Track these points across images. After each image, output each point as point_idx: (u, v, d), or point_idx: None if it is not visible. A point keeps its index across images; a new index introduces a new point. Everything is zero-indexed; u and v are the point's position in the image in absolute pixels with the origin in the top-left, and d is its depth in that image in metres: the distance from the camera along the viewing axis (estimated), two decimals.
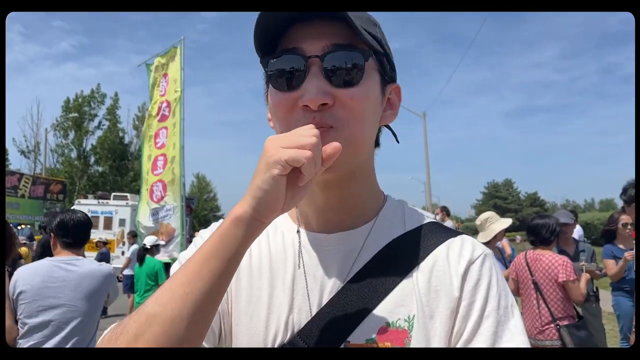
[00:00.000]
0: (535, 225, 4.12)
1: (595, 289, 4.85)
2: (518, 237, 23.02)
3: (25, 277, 2.83)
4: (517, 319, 0.78)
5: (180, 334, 0.64)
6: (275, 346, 0.80)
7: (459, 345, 0.76)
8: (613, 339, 6.79)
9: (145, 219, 8.25)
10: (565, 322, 3.80)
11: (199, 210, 46.12)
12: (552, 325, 3.81)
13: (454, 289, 0.79)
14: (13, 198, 16.69)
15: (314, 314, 0.80)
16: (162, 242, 6.57)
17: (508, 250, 6.59)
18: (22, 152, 34.71)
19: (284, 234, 0.89)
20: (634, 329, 4.01)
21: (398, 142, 0.96)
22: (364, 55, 0.77)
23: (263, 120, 0.90)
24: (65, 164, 34.96)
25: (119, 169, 36.21)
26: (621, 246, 4.64)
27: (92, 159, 36.30)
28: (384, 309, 0.78)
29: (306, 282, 0.83)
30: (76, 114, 34.13)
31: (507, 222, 4.91)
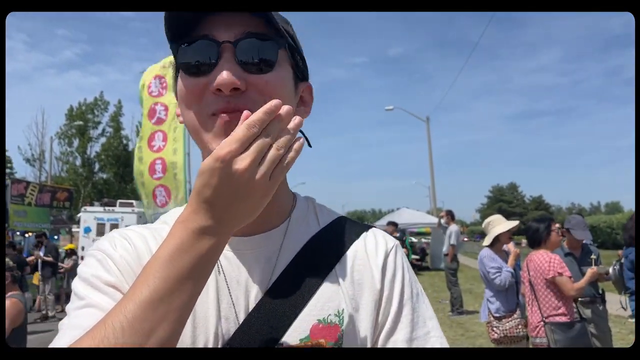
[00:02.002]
0: (526, 228, 4.39)
1: (601, 291, 4.83)
2: (524, 241, 22.90)
3: None
4: (427, 304, 0.86)
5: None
6: None
7: (385, 332, 0.81)
8: (620, 342, 6.78)
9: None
10: (555, 320, 3.88)
11: None
12: (542, 323, 3.96)
13: (376, 281, 0.83)
14: (20, 206, 16.70)
15: (241, 320, 0.78)
16: None
17: None
18: (27, 160, 34.96)
19: None
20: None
21: (310, 146, 0.90)
22: (277, 43, 0.77)
23: None
24: (70, 172, 35.14)
25: (123, 176, 36.33)
26: None
27: (97, 167, 36.49)
28: (313, 307, 0.79)
29: (229, 288, 0.80)
30: (81, 122, 34.31)
31: (508, 224, 4.93)
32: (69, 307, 0.75)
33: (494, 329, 4.62)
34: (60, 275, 12.80)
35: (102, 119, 36.60)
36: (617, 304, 5.61)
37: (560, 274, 3.89)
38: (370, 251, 0.86)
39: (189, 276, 0.62)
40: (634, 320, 4.88)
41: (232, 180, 0.62)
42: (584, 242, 5.00)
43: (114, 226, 15.65)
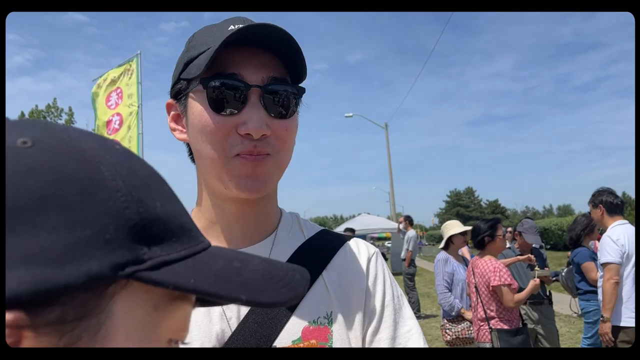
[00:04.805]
0: (473, 229, 4.36)
1: (548, 293, 4.99)
2: None
3: None
4: (407, 306, 0.92)
5: None
6: None
7: (370, 331, 0.87)
8: (569, 341, 7.01)
9: None
10: (500, 326, 3.96)
11: None
12: (487, 327, 4.00)
13: (361, 285, 0.89)
14: None
15: (234, 327, 0.81)
16: None
17: (468, 257, 6.71)
18: None
19: None
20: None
21: None
22: (298, 92, 0.84)
23: None
24: None
25: None
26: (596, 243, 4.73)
27: None
28: (303, 311, 0.83)
29: None
30: None
31: (460, 228, 5.05)
32: None
33: (447, 330, 4.73)
34: None
35: None
36: (567, 304, 5.81)
37: (504, 285, 3.92)
38: (353, 258, 0.92)
39: None
40: (582, 319, 5.05)
41: None
42: (533, 245, 5.18)
43: None
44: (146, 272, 0.36)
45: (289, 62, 0.83)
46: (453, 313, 4.69)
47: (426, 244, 46.66)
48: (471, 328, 4.52)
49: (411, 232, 10.49)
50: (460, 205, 74.36)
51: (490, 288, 3.98)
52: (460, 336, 4.61)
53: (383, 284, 0.91)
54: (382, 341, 0.86)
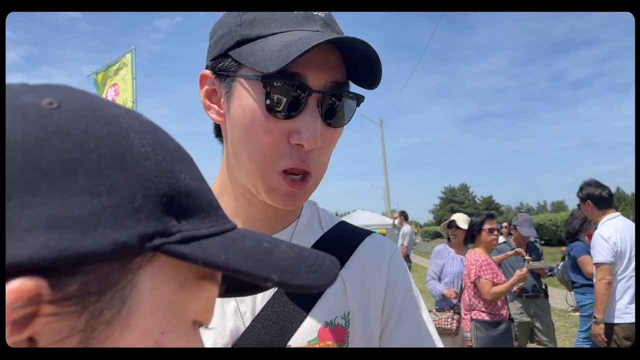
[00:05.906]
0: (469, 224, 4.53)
1: (544, 286, 5.01)
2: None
3: None
4: (425, 308, 0.89)
5: None
6: None
7: (387, 333, 0.83)
8: (564, 335, 7.04)
9: None
10: (481, 317, 4.04)
11: None
12: (467, 317, 4.13)
13: (381, 284, 0.85)
14: None
15: (248, 323, 0.78)
16: None
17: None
18: None
19: None
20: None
21: None
22: (357, 101, 0.79)
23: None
24: None
25: None
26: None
27: None
28: (320, 310, 0.80)
29: None
30: None
31: (445, 224, 5.12)
32: None
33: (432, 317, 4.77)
34: None
35: None
36: (562, 298, 5.84)
37: (481, 278, 4.00)
38: (373, 255, 0.87)
39: None
40: (577, 313, 5.06)
41: None
42: (529, 239, 5.18)
43: None
44: (175, 245, 0.34)
45: (355, 66, 0.75)
46: (437, 298, 4.78)
47: (420, 239, 46.64)
48: (450, 320, 4.54)
49: (406, 228, 10.50)
50: (454, 201, 74.64)
51: (471, 280, 4.08)
52: (438, 325, 4.63)
53: (403, 284, 0.87)
54: (398, 343, 0.83)
